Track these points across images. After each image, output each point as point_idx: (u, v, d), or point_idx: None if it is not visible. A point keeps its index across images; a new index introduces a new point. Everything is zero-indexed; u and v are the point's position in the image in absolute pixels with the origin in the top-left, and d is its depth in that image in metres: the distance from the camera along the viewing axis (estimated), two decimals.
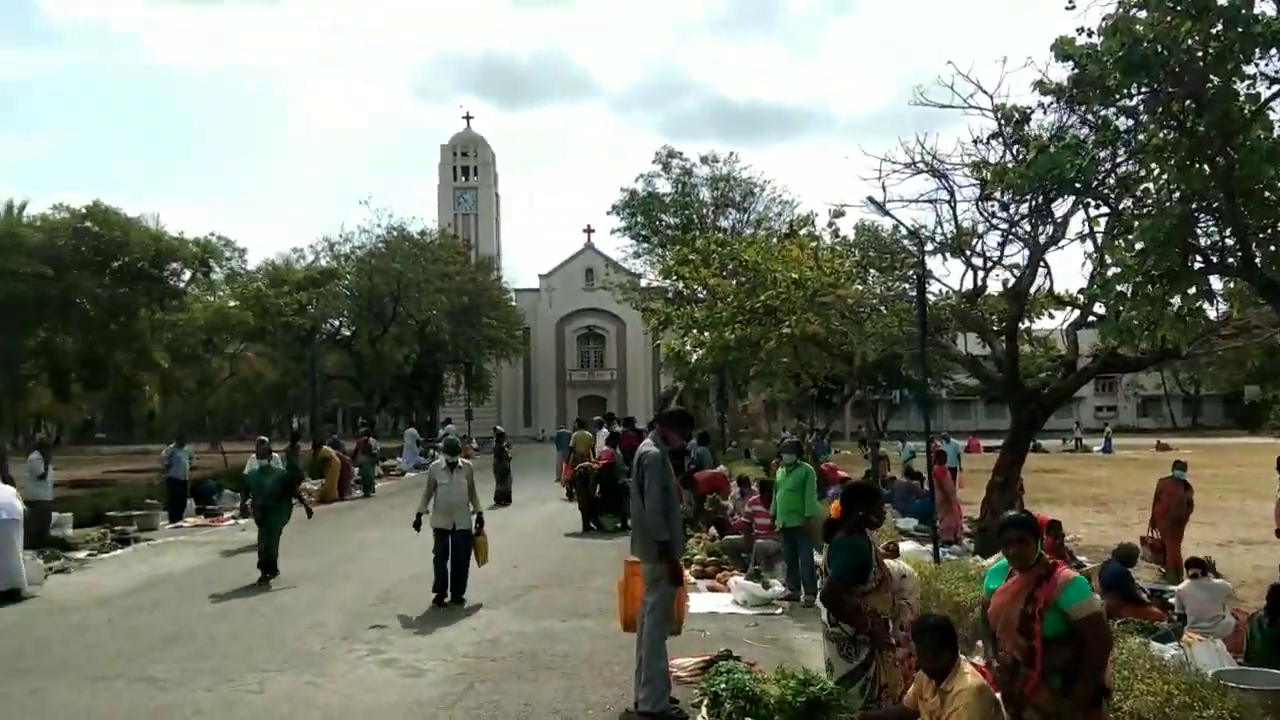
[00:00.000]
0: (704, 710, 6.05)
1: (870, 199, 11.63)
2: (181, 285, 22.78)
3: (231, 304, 25.30)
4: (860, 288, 15.27)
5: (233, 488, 21.31)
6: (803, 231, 16.23)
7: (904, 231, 13.40)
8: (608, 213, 39.04)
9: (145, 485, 20.27)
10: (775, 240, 19.47)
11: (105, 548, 14.57)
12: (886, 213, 12.06)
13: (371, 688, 6.99)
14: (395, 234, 43.39)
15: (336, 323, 40.44)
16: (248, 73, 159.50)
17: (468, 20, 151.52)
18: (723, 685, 6.11)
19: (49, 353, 19.93)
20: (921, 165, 11.25)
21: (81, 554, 13.82)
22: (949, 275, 35.67)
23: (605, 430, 20.13)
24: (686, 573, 8.12)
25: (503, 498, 20.42)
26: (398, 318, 40.34)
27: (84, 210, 20.43)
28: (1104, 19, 6.75)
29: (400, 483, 27.15)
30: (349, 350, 41.14)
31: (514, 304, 60.54)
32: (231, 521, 17.86)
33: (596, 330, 72.55)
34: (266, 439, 14.14)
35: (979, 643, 6.37)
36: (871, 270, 15.37)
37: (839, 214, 14.10)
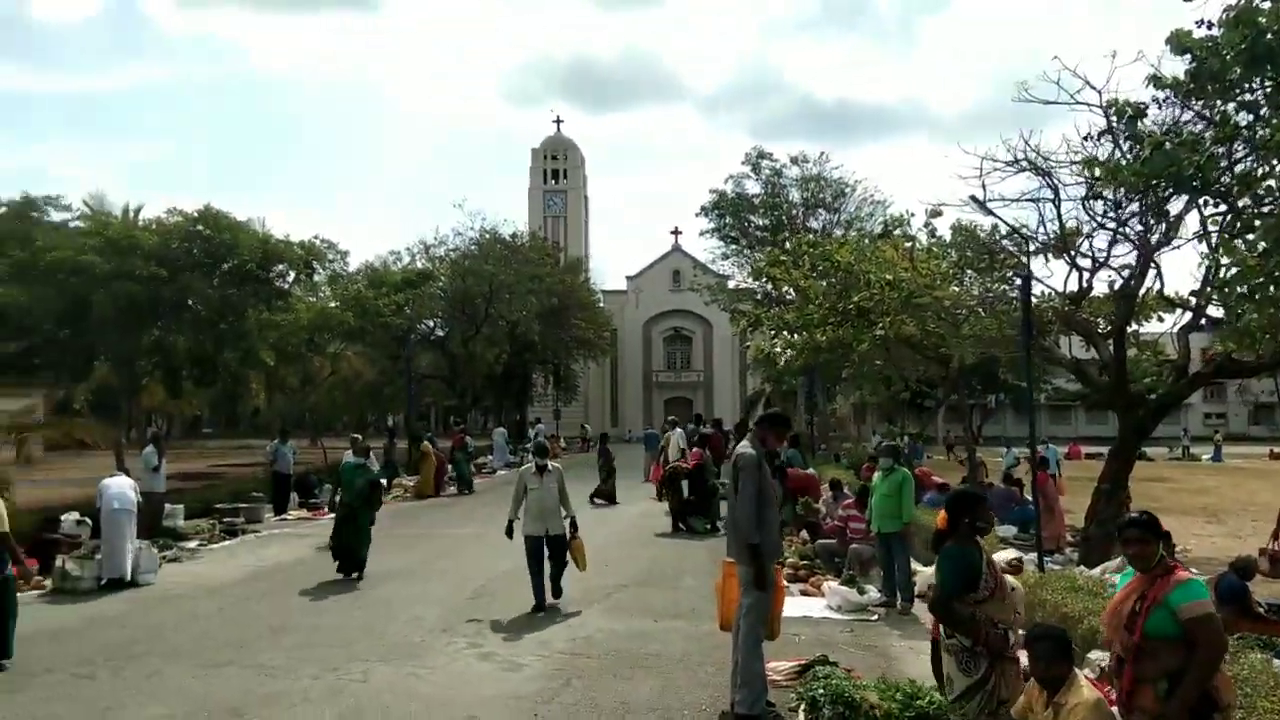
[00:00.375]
0: (801, 715, 5.99)
1: (972, 198, 11.32)
2: (287, 287, 23.60)
3: (333, 305, 26.17)
4: (957, 289, 14.91)
5: (331, 482, 22.07)
6: (897, 232, 15.90)
7: (1004, 231, 13.04)
8: (696, 214, 39.07)
9: (250, 479, 21.04)
10: (868, 241, 19.18)
11: (214, 539, 15.19)
12: (989, 212, 11.72)
13: (470, 680, 7.14)
14: (488, 237, 44.26)
15: (431, 323, 41.40)
16: (347, 81, 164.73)
17: (557, 24, 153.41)
18: (820, 691, 6.04)
19: (162, 351, 20.88)
20: (1024, 163, 10.91)
21: (192, 544, 14.44)
22: (1051, 276, 34.55)
23: (678, 430, 20.20)
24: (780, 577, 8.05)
25: (606, 496, 20.56)
26: (489, 319, 41.07)
27: (196, 215, 21.38)
28: (1225, 10, 6.49)
29: (491, 481, 27.61)
30: (442, 350, 42.06)
31: (602, 305, 61.07)
32: (330, 515, 18.42)
33: (683, 331, 72.58)
34: (360, 436, 14.45)
35: (1089, 655, 6.17)
36: (969, 271, 15.00)
37: (936, 214, 13.77)
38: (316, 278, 26.55)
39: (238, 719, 6.30)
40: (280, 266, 22.24)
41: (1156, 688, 3.93)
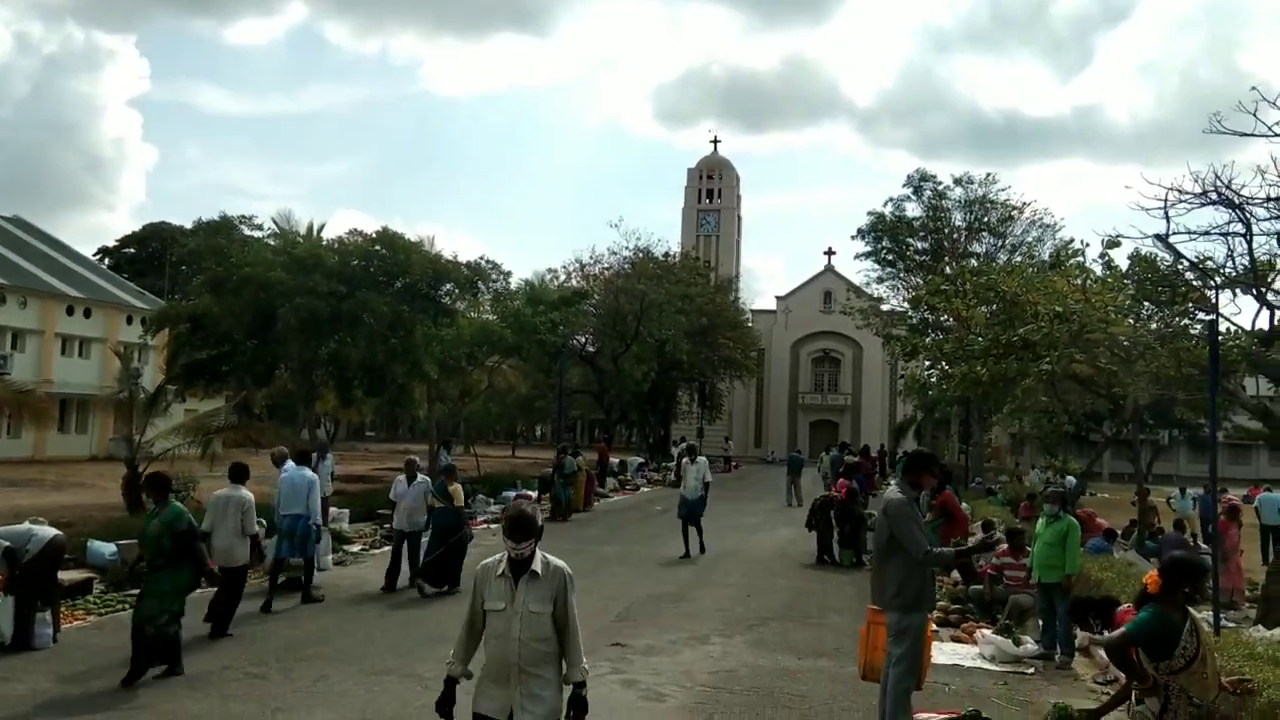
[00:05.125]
0: None
1: (1159, 237, 10.68)
2: (452, 304, 24.74)
3: (493, 320, 27.15)
4: (1133, 323, 14.10)
5: (485, 492, 22.93)
6: (1071, 262, 15.18)
7: (1186, 264, 12.25)
8: (853, 237, 38.36)
9: None
10: (1035, 269, 18.38)
11: (376, 543, 15.93)
12: (1175, 251, 11.02)
13: (615, 707, 7.25)
14: (641, 255, 44.98)
15: (583, 339, 42.37)
16: (513, 103, 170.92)
17: (715, 40, 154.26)
18: None
19: (337, 362, 22.23)
20: (1214, 195, 10.23)
21: (355, 548, 15.22)
22: (1239, 314, 32.11)
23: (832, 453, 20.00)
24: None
25: None
26: (639, 336, 41.64)
27: (375, 235, 22.78)
28: None
29: (635, 497, 27.97)
30: (592, 365, 42.97)
31: (750, 325, 60.84)
32: (484, 525, 19.07)
33: (832, 354, 71.38)
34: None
35: None
36: (1146, 304, 14.17)
37: (1114, 244, 13.09)
38: (480, 296, 27.64)
39: None
40: (448, 285, 23.39)
41: None
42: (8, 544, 8.57)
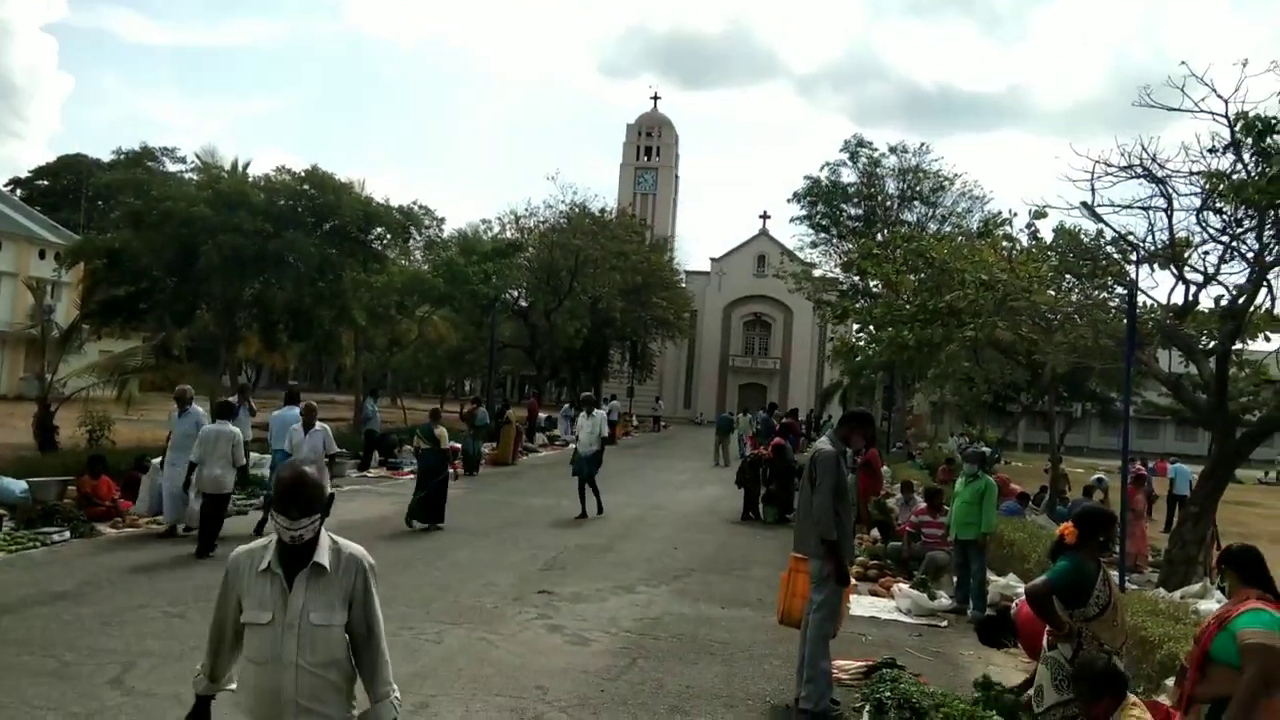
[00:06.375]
0: (865, 716, 6.00)
1: (1084, 205, 10.96)
2: (383, 249, 24.20)
3: (425, 269, 26.73)
4: (1053, 294, 14.49)
5: (411, 443, 22.69)
6: (999, 231, 15.50)
7: (1109, 237, 12.62)
8: (788, 200, 38.63)
9: (337, 434, 21.69)
10: (964, 238, 18.74)
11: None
12: (1100, 219, 11.34)
13: (541, 650, 7.31)
14: (577, 211, 44.59)
15: (515, 293, 41.96)
16: (449, 47, 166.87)
17: None
18: (888, 694, 6.04)
19: (262, 304, 21.63)
20: (1139, 169, 10.52)
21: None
22: (1156, 288, 33.31)
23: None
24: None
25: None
26: (572, 292, 41.41)
27: (303, 174, 22.07)
28: None
29: (564, 453, 28.00)
30: (524, 320, 42.61)
31: (684, 286, 60.99)
32: (411, 475, 18.90)
33: (764, 317, 72.03)
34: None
35: (1166, 681, 6.02)
36: (1069, 276, 14.55)
37: (1040, 215, 13.35)
38: (412, 242, 27.12)
39: None
40: (379, 229, 22.83)
41: (1201, 711, 3.96)
42: None
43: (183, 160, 51.61)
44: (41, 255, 40.75)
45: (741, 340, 72.85)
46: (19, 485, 11.67)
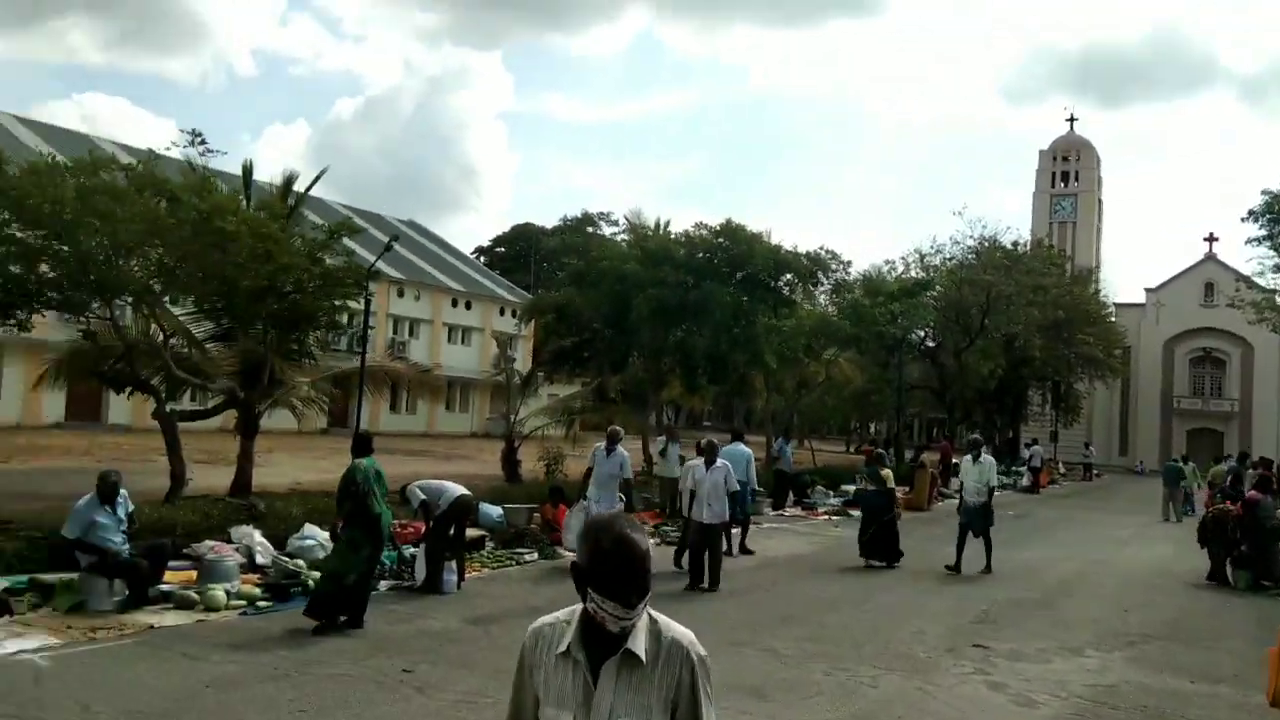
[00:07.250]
0: None
1: None
2: (791, 294, 24.96)
3: (832, 312, 27.03)
4: None
5: (825, 484, 22.90)
6: None
7: None
8: (1242, 219, 33.54)
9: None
10: None
11: None
12: None
13: (983, 708, 6.95)
14: (987, 245, 42.52)
15: (923, 333, 40.82)
16: (839, 91, 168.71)
17: (1066, 12, 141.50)
18: None
19: (684, 350, 23.29)
20: None
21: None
22: None
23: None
24: None
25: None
26: (985, 330, 39.38)
27: (718, 227, 23.55)
28: None
29: None
30: (932, 360, 41.24)
31: (1114, 320, 55.38)
32: (825, 518, 19.06)
33: (1215, 353, 63.01)
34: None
35: None
36: None
37: None
38: (819, 287, 27.64)
39: (760, 699, 6.81)
40: (788, 275, 23.62)
41: None
42: (424, 498, 9.91)
43: (615, 223, 57.48)
44: (502, 312, 47.72)
45: (1188, 379, 64.28)
46: (495, 510, 13.56)
